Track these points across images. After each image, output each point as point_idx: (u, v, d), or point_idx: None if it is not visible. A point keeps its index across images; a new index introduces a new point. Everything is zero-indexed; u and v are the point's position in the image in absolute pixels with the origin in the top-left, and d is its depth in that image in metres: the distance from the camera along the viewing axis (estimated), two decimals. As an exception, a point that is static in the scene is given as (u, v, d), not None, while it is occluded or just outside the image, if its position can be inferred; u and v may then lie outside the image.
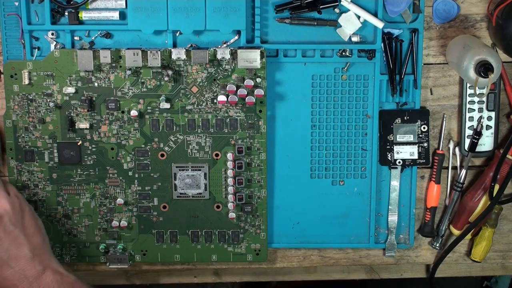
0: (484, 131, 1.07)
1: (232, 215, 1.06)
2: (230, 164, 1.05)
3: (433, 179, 1.09)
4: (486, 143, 1.08)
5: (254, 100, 1.02)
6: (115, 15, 1.02)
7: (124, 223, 1.06)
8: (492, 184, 1.05)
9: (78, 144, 1.04)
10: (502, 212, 1.11)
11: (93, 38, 1.04)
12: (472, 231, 1.09)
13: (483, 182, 1.08)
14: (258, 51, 1.00)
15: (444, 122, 1.08)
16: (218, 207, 1.07)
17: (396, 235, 1.11)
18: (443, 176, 1.10)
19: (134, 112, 1.02)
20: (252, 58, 1.01)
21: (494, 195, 1.05)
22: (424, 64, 1.07)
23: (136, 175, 1.05)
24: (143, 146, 1.04)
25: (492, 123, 1.07)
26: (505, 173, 1.04)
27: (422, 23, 1.04)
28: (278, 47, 1.04)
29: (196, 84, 1.03)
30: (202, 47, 1.03)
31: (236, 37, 1.04)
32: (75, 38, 1.04)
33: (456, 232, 1.11)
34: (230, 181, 1.05)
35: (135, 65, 1.01)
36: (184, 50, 1.01)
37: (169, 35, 1.03)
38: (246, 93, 1.02)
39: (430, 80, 1.08)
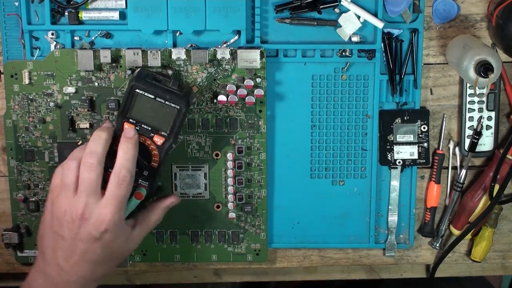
0: (484, 131, 1.07)
1: (232, 215, 1.06)
2: (230, 164, 1.05)
3: (433, 179, 1.09)
4: (486, 143, 1.08)
5: (254, 100, 1.02)
6: (115, 15, 1.03)
7: (124, 223, 1.06)
8: (492, 184, 1.05)
9: (78, 144, 1.04)
10: (502, 212, 1.11)
11: (93, 38, 1.04)
12: (472, 231, 1.09)
13: (483, 182, 1.08)
14: (258, 51, 1.00)
15: (444, 122, 1.08)
16: (218, 207, 1.07)
17: (396, 235, 1.11)
18: (443, 176, 1.10)
19: (134, 112, 1.02)
20: (252, 58, 1.01)
21: (494, 195, 1.05)
22: (424, 64, 1.07)
23: (136, 175, 1.05)
24: (143, 146, 1.04)
25: (492, 123, 1.07)
26: (505, 173, 1.05)
27: (422, 23, 1.04)
28: (278, 47, 1.04)
29: (196, 84, 1.03)
30: (202, 47, 1.03)
31: (236, 37, 1.04)
32: (75, 38, 1.04)
33: (456, 232, 1.11)
34: (230, 181, 1.05)
35: (135, 65, 1.01)
36: (184, 50, 1.01)
37: (169, 35, 1.03)
38: (246, 93, 1.02)
39: (430, 80, 1.08)
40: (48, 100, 1.03)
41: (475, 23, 1.06)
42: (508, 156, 1.04)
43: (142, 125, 0.95)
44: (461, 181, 1.09)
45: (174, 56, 1.01)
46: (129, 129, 0.93)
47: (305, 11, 1.03)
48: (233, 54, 1.01)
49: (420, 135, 1.07)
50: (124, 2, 1.02)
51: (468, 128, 1.07)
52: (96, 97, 1.03)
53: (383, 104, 1.07)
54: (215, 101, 1.03)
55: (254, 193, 1.06)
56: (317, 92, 1.06)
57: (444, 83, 1.08)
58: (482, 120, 1.06)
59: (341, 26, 1.03)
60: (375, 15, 1.03)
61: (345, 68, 1.05)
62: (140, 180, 0.97)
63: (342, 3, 1.02)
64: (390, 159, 1.07)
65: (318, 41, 1.04)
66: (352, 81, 1.06)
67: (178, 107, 0.94)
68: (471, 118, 1.07)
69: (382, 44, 1.04)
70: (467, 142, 1.07)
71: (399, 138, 1.07)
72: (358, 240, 1.11)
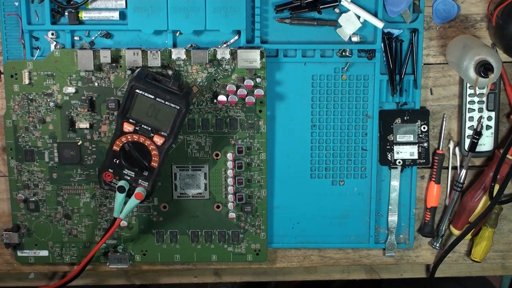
0: (484, 131, 1.07)
1: (232, 215, 1.06)
2: (230, 164, 1.05)
3: (433, 179, 1.09)
4: (486, 143, 1.08)
5: (254, 100, 1.02)
6: (115, 15, 1.03)
7: (124, 223, 1.06)
8: (492, 184, 1.05)
9: (78, 144, 1.04)
10: (502, 212, 1.11)
11: (93, 38, 1.04)
12: (472, 231, 1.09)
13: (483, 182, 1.08)
14: (258, 51, 1.01)
15: (444, 122, 1.08)
16: (218, 207, 1.07)
17: (396, 235, 1.11)
18: (443, 176, 1.10)
19: (134, 112, 1.02)
20: (252, 58, 1.01)
21: (494, 195, 1.05)
22: (424, 64, 1.07)
23: (136, 175, 1.05)
24: (143, 146, 1.04)
25: (492, 123, 1.07)
26: (505, 173, 1.05)
27: (422, 23, 1.04)
28: (278, 47, 1.04)
29: (196, 84, 1.03)
30: (202, 47, 1.03)
31: (236, 37, 1.04)
32: (75, 38, 1.04)
33: (456, 232, 1.11)
34: (230, 181, 1.05)
35: (135, 65, 1.01)
36: (184, 50, 1.01)
37: (169, 35, 1.03)
38: (246, 93, 1.02)
39: (430, 80, 1.08)
40: (48, 100, 1.03)
41: (475, 23, 1.06)
42: (508, 156, 1.04)
43: (142, 125, 0.95)
44: (461, 181, 1.09)
45: (174, 56, 1.01)
46: None
47: (305, 11, 1.03)
48: (233, 54, 1.01)
49: (420, 135, 1.07)
50: (124, 2, 1.02)
51: (468, 128, 1.07)
52: (96, 97, 1.03)
53: (383, 104, 1.07)
54: (215, 101, 1.03)
55: (254, 193, 1.06)
56: (317, 92, 1.06)
57: (444, 83, 1.08)
58: (482, 120, 1.06)
59: (341, 26, 1.03)
60: (375, 15, 1.03)
61: (345, 68, 1.05)
62: (140, 180, 0.97)
63: (342, 3, 1.02)
64: (390, 159, 1.07)
65: (318, 41, 1.04)
66: (352, 81, 1.06)
67: (178, 107, 0.94)
68: (471, 118, 1.07)
69: (382, 44, 1.04)
70: (467, 142, 1.07)
71: (399, 138, 1.07)
72: (358, 240, 1.11)
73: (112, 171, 0.98)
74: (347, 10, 1.03)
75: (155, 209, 1.07)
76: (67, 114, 1.03)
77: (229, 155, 1.04)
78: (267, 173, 1.06)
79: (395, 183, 1.09)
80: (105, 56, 1.00)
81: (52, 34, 1.03)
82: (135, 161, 0.97)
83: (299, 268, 1.16)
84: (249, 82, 1.02)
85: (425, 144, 1.07)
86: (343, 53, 1.04)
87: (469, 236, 1.10)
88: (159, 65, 1.01)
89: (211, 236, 1.08)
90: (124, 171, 0.98)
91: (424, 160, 1.07)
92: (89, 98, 1.03)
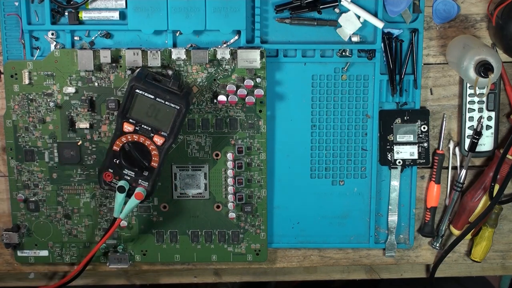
0: (484, 131, 1.07)
1: (232, 215, 1.06)
2: (230, 164, 1.05)
3: (433, 179, 1.09)
4: (486, 143, 1.08)
5: (254, 100, 1.02)
6: (115, 15, 1.03)
7: (124, 223, 1.06)
8: (492, 184, 1.05)
9: (78, 144, 1.04)
10: (502, 212, 1.11)
11: (93, 38, 1.04)
12: (472, 231, 1.09)
13: (483, 182, 1.08)
14: (258, 51, 1.01)
15: (444, 122, 1.08)
16: (218, 207, 1.07)
17: (396, 235, 1.11)
18: (443, 176, 1.10)
19: (134, 112, 1.02)
20: (252, 58, 1.01)
21: (494, 195, 1.05)
22: (424, 64, 1.07)
23: (136, 175, 1.05)
24: (143, 146, 1.04)
25: (492, 123, 1.07)
26: (505, 173, 1.05)
27: (422, 23, 1.04)
28: (278, 47, 1.04)
29: (196, 84, 1.03)
30: (202, 47, 1.03)
31: (236, 37, 1.04)
32: (75, 38, 1.04)
33: (456, 232, 1.11)
34: (230, 181, 1.05)
35: (135, 65, 1.01)
36: (184, 50, 1.01)
37: (169, 35, 1.03)
38: (246, 93, 1.02)
39: (430, 80, 1.08)
40: (48, 100, 1.03)
41: (475, 23, 1.06)
42: (508, 156, 1.04)
43: (142, 125, 0.95)
44: (461, 181, 1.09)
45: (174, 56, 1.01)
46: None
47: (305, 11, 1.03)
48: (233, 54, 1.01)
49: (420, 135, 1.07)
50: (124, 2, 1.02)
51: (468, 128, 1.07)
52: (96, 97, 1.03)
53: (383, 104, 1.07)
54: (215, 101, 1.03)
55: (254, 193, 1.06)
56: (317, 92, 1.06)
57: (444, 83, 1.08)
58: (482, 120, 1.06)
59: (341, 26, 1.03)
60: (375, 15, 1.03)
61: (345, 68, 1.05)
62: (140, 180, 0.97)
63: (342, 3, 1.02)
64: (390, 159, 1.07)
65: (318, 41, 1.04)
66: (352, 81, 1.06)
67: (178, 107, 0.95)
68: (471, 118, 1.07)
69: (382, 44, 1.04)
70: (467, 142, 1.07)
71: (399, 138, 1.07)
72: (358, 240, 1.11)
73: (112, 171, 0.98)
74: (347, 10, 1.03)
75: (155, 209, 1.07)
76: (67, 114, 1.03)
77: (229, 155, 1.04)
78: (267, 173, 1.06)
79: (395, 183, 1.09)
80: (105, 56, 1.00)
81: (52, 34, 1.03)
82: (135, 161, 0.97)
83: (299, 268, 1.16)
84: (249, 82, 1.02)
85: (425, 144, 1.07)
86: (343, 53, 1.04)
87: (469, 236, 1.10)
88: (159, 65, 1.01)
89: (211, 236, 1.08)
90: (124, 171, 0.98)
91: (424, 160, 1.07)
92: (89, 98, 1.03)
